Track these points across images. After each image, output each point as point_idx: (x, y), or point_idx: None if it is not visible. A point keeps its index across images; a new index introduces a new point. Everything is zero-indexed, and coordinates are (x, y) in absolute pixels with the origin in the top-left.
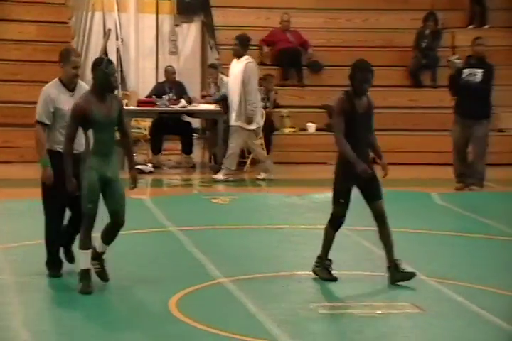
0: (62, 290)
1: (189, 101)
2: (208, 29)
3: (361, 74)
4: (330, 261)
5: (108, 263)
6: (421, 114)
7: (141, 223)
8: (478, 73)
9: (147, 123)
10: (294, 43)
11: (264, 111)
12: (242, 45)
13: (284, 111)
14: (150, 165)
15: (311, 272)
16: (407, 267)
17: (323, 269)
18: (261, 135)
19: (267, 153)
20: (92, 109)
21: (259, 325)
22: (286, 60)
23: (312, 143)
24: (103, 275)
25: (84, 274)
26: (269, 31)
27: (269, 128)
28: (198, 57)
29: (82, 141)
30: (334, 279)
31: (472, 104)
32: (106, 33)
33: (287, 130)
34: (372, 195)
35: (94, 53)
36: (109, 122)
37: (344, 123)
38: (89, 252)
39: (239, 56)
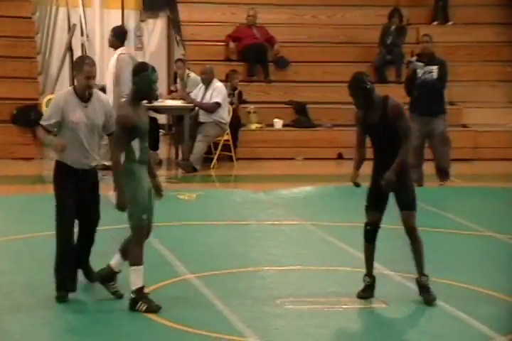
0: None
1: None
2: (174, 25)
3: (348, 90)
4: (370, 278)
5: None
6: None
7: (105, 220)
8: (434, 70)
9: None
10: (260, 39)
11: (230, 107)
12: (117, 37)
13: (251, 106)
14: None
15: (276, 268)
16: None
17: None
18: (228, 131)
19: (234, 149)
20: (137, 118)
21: (225, 320)
22: (252, 55)
23: (279, 138)
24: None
25: (141, 292)
26: (235, 27)
27: (236, 124)
28: (164, 52)
29: (97, 153)
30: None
31: (430, 100)
32: (71, 29)
33: (254, 126)
34: (400, 205)
35: (58, 49)
36: (147, 130)
37: (362, 134)
38: (141, 268)
39: (115, 48)
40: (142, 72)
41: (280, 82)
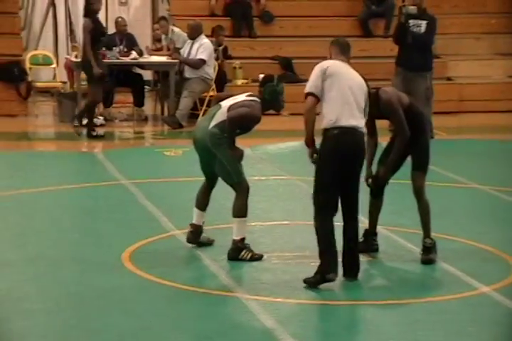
0: None
1: (140, 53)
2: None
3: None
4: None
5: (59, 217)
6: (371, 63)
7: (92, 176)
8: (422, 24)
9: None
10: None
11: (216, 63)
12: None
13: (236, 62)
14: (101, 118)
15: (263, 223)
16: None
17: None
18: (213, 86)
19: None
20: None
21: (213, 276)
22: (237, 12)
23: None
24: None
25: (244, 242)
26: None
27: (221, 80)
28: (149, 8)
29: None
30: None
31: (415, 55)
32: None
33: (239, 81)
34: (413, 164)
35: (41, 4)
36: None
37: (367, 123)
38: (246, 220)
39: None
40: (268, 83)
41: (265, 37)
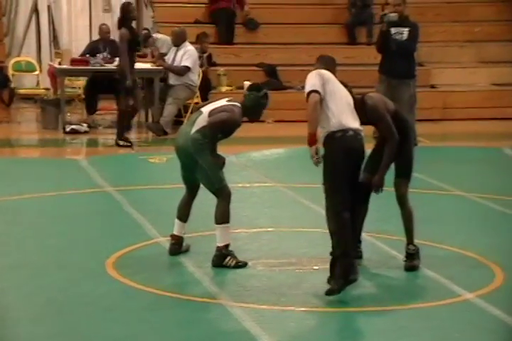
0: None
1: None
2: None
3: None
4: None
5: (43, 224)
6: (356, 71)
7: (76, 183)
8: (405, 32)
9: (81, 82)
10: (231, 1)
11: (200, 70)
12: None
13: (221, 69)
14: (85, 125)
15: (248, 230)
16: None
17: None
18: (198, 93)
19: None
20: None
21: (197, 282)
22: (222, 19)
23: None
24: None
25: (228, 249)
26: None
27: (206, 87)
28: None
29: None
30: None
31: (399, 63)
32: None
33: (224, 88)
34: (396, 171)
35: (24, 10)
36: None
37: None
38: (229, 226)
39: None
40: (254, 92)
41: (250, 44)
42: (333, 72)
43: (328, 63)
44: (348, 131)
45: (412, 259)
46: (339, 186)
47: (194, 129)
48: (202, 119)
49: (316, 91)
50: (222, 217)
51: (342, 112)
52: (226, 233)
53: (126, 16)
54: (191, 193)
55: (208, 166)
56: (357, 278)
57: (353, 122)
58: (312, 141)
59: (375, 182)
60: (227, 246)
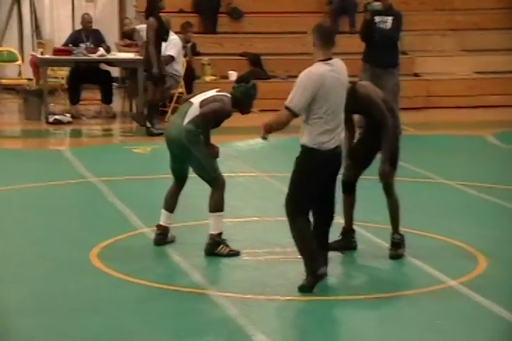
0: None
1: (108, 50)
2: None
3: None
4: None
5: (27, 216)
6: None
7: (59, 175)
8: (388, 20)
9: (64, 72)
10: None
11: (184, 60)
12: None
13: (205, 59)
14: (68, 115)
15: (233, 219)
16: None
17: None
18: (182, 83)
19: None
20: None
21: (183, 273)
22: (206, 8)
23: None
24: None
25: (221, 237)
26: None
27: (190, 77)
28: (116, 4)
29: None
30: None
31: (382, 52)
32: None
33: (208, 78)
34: (381, 159)
35: (5, 2)
36: None
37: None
38: (223, 214)
39: None
40: (243, 83)
41: (234, 34)
42: (332, 44)
43: (325, 37)
44: (328, 151)
45: (397, 248)
46: (309, 196)
47: (186, 120)
48: (194, 110)
49: (292, 111)
50: (216, 205)
51: (323, 131)
52: (219, 221)
53: (154, 5)
54: (179, 184)
55: (203, 156)
56: (325, 272)
57: (335, 142)
58: (267, 130)
59: (385, 172)
60: (220, 234)
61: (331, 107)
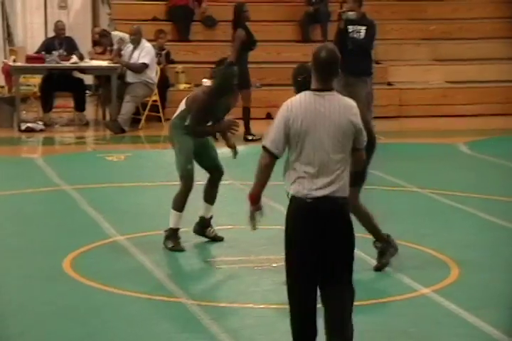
0: None
1: (81, 58)
2: None
3: None
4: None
5: (0, 224)
6: None
7: (32, 182)
8: (362, 30)
9: (37, 80)
10: None
11: (158, 67)
12: None
13: (179, 66)
14: (41, 123)
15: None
16: None
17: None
18: (156, 91)
19: (163, 109)
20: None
21: (156, 281)
22: (179, 16)
23: None
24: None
25: (174, 233)
26: None
27: (164, 84)
28: (89, 11)
29: None
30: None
31: (356, 60)
32: None
33: (182, 86)
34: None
35: None
36: None
37: None
38: (180, 215)
39: None
40: (219, 67)
41: (208, 42)
42: (329, 75)
43: (320, 66)
44: (313, 199)
45: (380, 256)
46: (293, 277)
47: (174, 116)
48: (181, 106)
49: (269, 151)
50: (174, 204)
51: (305, 176)
52: (175, 218)
53: (241, 16)
54: (212, 175)
55: (176, 151)
56: None
57: (321, 189)
58: (254, 199)
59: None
60: (172, 229)
61: (313, 147)
